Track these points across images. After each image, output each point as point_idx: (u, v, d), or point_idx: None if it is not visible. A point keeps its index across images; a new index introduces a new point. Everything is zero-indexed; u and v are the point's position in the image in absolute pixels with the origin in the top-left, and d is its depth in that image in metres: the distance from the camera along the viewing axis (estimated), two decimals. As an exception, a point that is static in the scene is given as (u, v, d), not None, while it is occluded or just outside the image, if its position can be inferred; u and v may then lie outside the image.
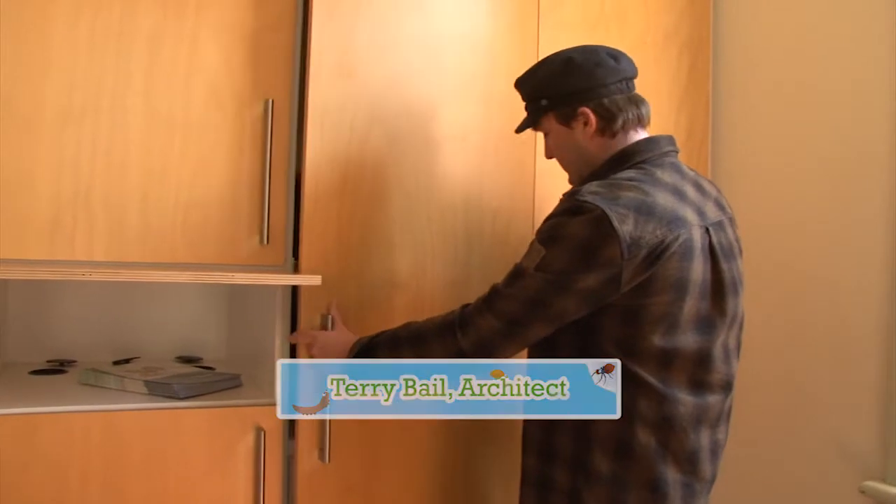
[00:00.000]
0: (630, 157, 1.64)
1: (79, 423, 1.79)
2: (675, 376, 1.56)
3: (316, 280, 1.81)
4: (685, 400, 1.56)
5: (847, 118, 2.06)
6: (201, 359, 2.52)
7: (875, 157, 1.97)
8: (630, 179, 1.56)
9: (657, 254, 1.47)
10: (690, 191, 1.61)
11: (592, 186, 1.54)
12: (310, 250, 1.96)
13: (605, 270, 1.47)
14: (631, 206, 1.48)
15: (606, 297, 1.51)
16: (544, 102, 1.72)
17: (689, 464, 1.57)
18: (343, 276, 1.99)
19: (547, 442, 1.66)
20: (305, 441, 1.98)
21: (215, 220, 1.92)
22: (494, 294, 1.61)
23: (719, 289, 1.57)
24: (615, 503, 1.55)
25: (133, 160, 1.84)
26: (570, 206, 1.51)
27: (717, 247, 1.57)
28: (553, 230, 1.53)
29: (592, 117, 1.66)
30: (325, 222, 1.97)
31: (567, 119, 1.70)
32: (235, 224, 1.93)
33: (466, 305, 1.68)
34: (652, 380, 1.54)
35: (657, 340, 1.53)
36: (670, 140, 1.70)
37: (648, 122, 1.71)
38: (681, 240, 1.50)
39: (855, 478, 1.97)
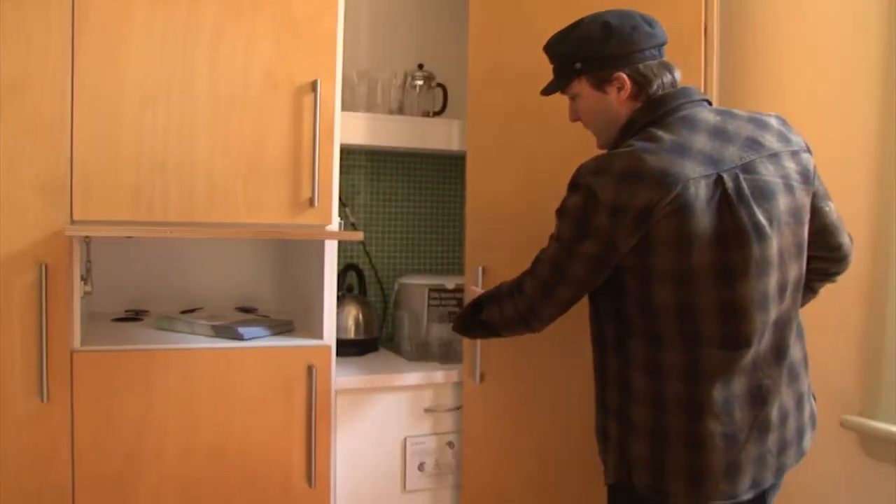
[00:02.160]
0: (632, 125, 1.66)
1: (159, 359, 2.11)
2: (698, 329, 1.54)
3: (358, 236, 2.10)
4: (711, 352, 1.54)
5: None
6: (256, 309, 2.82)
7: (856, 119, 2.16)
8: (629, 146, 1.56)
9: (644, 215, 1.48)
10: (700, 140, 1.55)
11: (591, 160, 1.59)
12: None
13: (600, 237, 1.53)
14: (615, 174, 1.50)
15: (612, 260, 1.55)
16: (578, 66, 1.70)
17: (726, 414, 1.55)
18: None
19: (601, 397, 1.73)
20: (468, 364, 2.47)
21: (272, 186, 2.20)
22: (535, 259, 1.69)
23: (738, 236, 1.51)
24: (655, 453, 1.59)
25: (200, 136, 2.13)
26: (570, 182, 1.59)
27: (733, 193, 1.52)
28: (560, 204, 1.61)
29: (628, 82, 1.65)
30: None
31: (601, 83, 1.69)
32: (289, 189, 2.21)
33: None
34: (672, 335, 1.55)
35: (671, 297, 1.53)
36: (685, 92, 1.66)
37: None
38: (672, 197, 1.46)
39: (836, 412, 2.15)
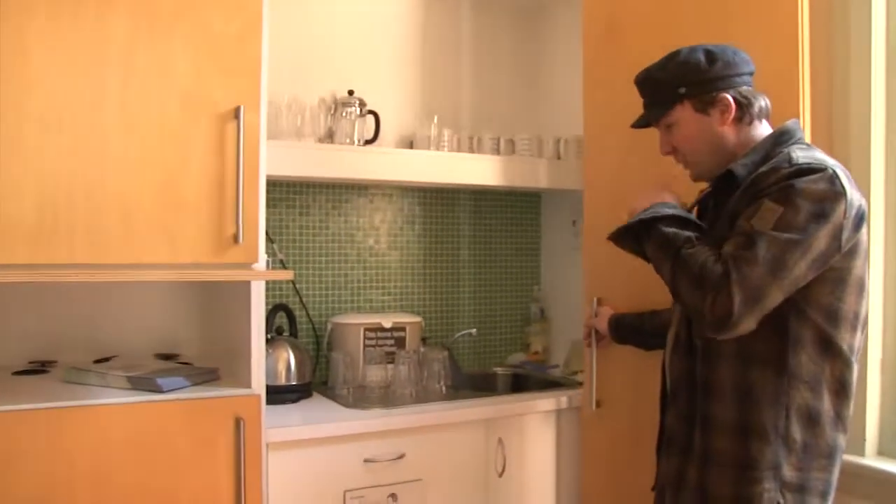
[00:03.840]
0: (792, 134, 1.69)
1: (66, 418, 1.88)
2: (856, 341, 1.60)
3: (287, 275, 1.92)
4: (854, 366, 1.61)
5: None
6: (178, 355, 2.60)
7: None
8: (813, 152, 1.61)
9: (860, 217, 1.54)
10: None
11: (797, 151, 1.60)
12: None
13: (834, 229, 1.50)
14: (842, 169, 1.56)
15: (827, 261, 1.53)
16: (682, 90, 1.72)
17: (846, 429, 1.63)
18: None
19: (743, 419, 1.64)
20: (586, 392, 2.46)
21: (193, 221, 2.01)
22: (734, 262, 1.50)
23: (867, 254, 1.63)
24: (802, 470, 1.59)
25: (111, 166, 1.93)
26: (796, 168, 1.53)
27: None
28: (787, 189, 1.52)
29: (732, 104, 1.69)
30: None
31: (705, 106, 1.71)
32: (211, 224, 2.02)
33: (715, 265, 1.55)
34: (843, 346, 1.58)
35: (854, 305, 1.58)
36: (797, 124, 1.76)
37: (770, 114, 1.77)
38: (866, 207, 1.57)
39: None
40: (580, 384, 2.78)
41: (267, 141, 2.34)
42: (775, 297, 1.50)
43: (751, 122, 1.72)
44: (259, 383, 2.13)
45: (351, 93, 2.79)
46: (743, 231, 1.53)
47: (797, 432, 1.58)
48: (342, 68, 2.91)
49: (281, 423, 2.21)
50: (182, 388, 2.10)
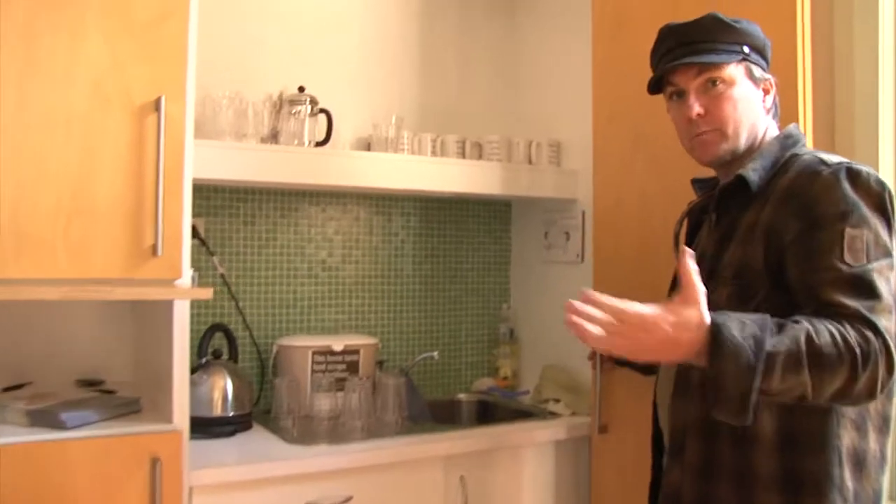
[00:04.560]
0: (797, 139, 1.56)
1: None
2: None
3: (205, 294, 1.64)
4: (894, 397, 1.46)
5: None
6: (104, 381, 2.30)
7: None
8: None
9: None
10: None
11: (822, 154, 1.46)
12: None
13: (890, 228, 1.39)
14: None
15: None
16: (746, 49, 1.54)
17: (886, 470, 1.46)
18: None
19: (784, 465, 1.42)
20: (592, 418, 2.31)
21: (103, 230, 1.73)
22: (876, 316, 1.30)
23: None
24: None
25: (4, 166, 1.64)
26: (835, 169, 1.40)
27: None
28: (855, 206, 1.37)
29: (774, 90, 1.57)
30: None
31: (757, 79, 1.55)
32: (126, 234, 1.75)
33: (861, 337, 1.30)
34: None
35: (892, 325, 1.38)
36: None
37: None
38: None
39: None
40: (552, 414, 2.52)
41: (204, 141, 2.11)
42: None
43: (775, 117, 1.59)
44: (181, 417, 1.84)
45: (301, 89, 2.52)
46: (845, 275, 1.34)
47: (849, 480, 1.38)
48: (292, 63, 2.64)
49: (210, 463, 1.93)
50: (90, 423, 1.81)
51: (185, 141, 1.82)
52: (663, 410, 1.64)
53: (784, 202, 1.43)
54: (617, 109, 2.26)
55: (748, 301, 1.43)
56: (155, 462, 1.75)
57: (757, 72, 1.54)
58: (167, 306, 1.86)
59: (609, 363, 2.19)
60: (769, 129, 1.58)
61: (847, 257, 1.35)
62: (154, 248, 1.75)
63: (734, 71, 1.53)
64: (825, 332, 1.26)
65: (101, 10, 1.73)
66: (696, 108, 1.52)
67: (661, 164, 2.04)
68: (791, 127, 1.58)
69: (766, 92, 1.56)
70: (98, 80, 1.72)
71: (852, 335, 1.27)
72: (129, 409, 1.95)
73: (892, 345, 1.28)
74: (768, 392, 1.24)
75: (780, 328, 1.26)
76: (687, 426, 1.51)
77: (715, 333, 1.22)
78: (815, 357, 1.24)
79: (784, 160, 1.50)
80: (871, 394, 1.29)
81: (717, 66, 1.52)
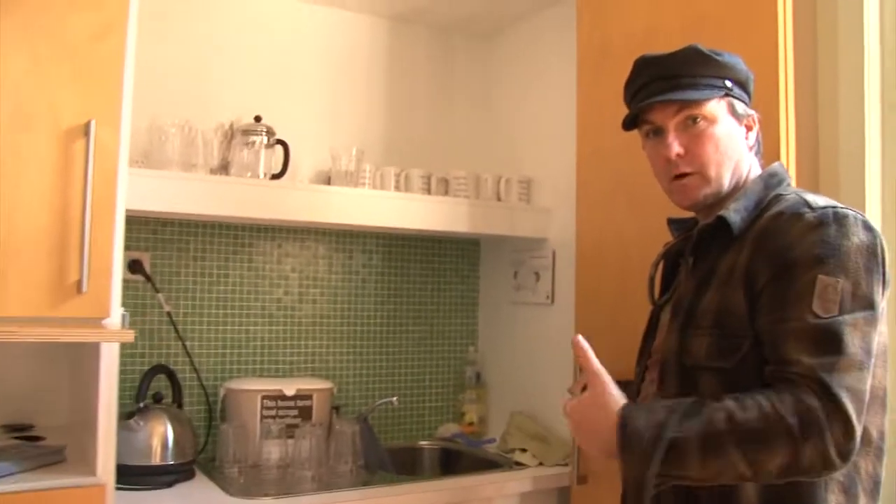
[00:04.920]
0: (782, 178, 1.44)
1: None
2: (885, 423, 1.32)
3: (127, 337, 1.50)
4: (884, 456, 1.32)
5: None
6: (33, 427, 2.14)
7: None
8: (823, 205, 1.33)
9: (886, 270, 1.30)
10: None
11: (807, 195, 1.34)
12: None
13: (883, 280, 1.27)
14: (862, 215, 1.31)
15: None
16: (729, 84, 1.42)
17: None
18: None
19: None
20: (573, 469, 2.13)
21: (21, 264, 1.59)
22: (832, 376, 1.18)
23: None
24: None
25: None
26: (821, 214, 1.28)
27: None
28: (835, 251, 1.25)
29: (757, 127, 1.47)
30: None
31: (740, 115, 1.44)
32: (48, 268, 1.61)
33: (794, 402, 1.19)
34: (874, 432, 1.29)
35: (882, 378, 1.30)
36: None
37: None
38: None
39: None
40: (518, 465, 2.37)
41: (148, 171, 1.99)
42: (867, 387, 1.22)
43: (756, 155, 1.48)
44: (106, 469, 1.69)
45: (258, 119, 2.40)
46: (810, 327, 1.22)
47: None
48: (248, 92, 2.52)
49: (140, 520, 1.77)
50: (6, 475, 1.65)
51: (118, 169, 1.68)
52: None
53: (760, 245, 1.31)
54: (601, 144, 2.14)
55: (732, 353, 1.30)
56: (74, 521, 1.59)
57: (740, 107, 1.43)
58: (95, 348, 1.72)
59: None
60: (752, 167, 1.46)
61: (816, 307, 1.22)
62: (79, 285, 1.61)
63: (716, 107, 1.41)
64: (753, 406, 1.18)
65: (28, 27, 1.61)
66: (676, 148, 1.40)
67: (642, 201, 1.91)
68: (776, 165, 1.47)
69: (749, 128, 1.45)
70: (19, 100, 1.59)
71: (789, 404, 1.16)
72: (52, 459, 1.78)
73: (848, 407, 1.16)
74: (689, 478, 1.20)
75: (696, 411, 1.20)
76: (660, 493, 1.38)
77: (621, 426, 1.22)
78: (740, 435, 1.17)
79: (768, 201, 1.39)
80: (826, 464, 1.16)
81: (699, 102, 1.40)
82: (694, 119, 1.40)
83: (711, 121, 1.40)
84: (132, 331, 1.53)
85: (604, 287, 2.13)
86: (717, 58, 1.43)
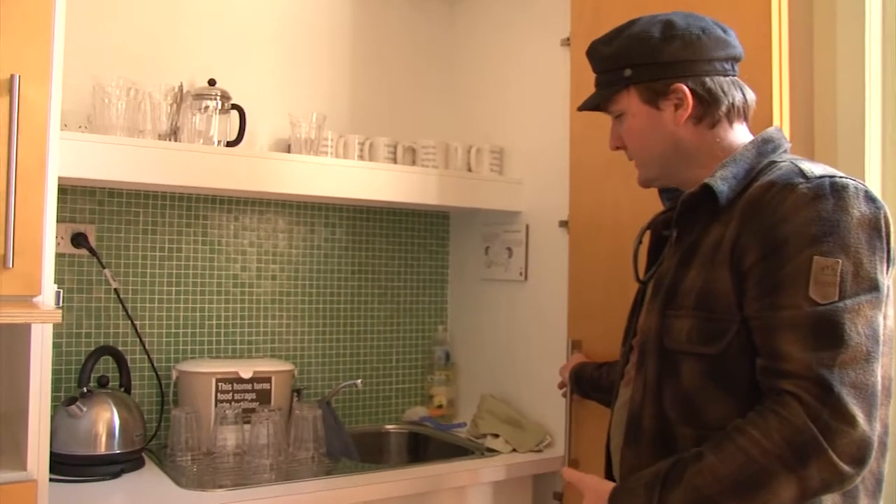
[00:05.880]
0: (777, 144, 1.32)
1: None
2: (889, 416, 1.21)
3: (56, 317, 1.34)
4: (887, 452, 1.22)
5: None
6: (-33, 414, 1.98)
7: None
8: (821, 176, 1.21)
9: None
10: None
11: (803, 163, 1.22)
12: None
13: (887, 257, 1.16)
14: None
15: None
16: (627, 73, 1.35)
17: None
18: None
19: None
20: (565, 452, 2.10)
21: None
22: (835, 375, 1.09)
23: None
24: None
25: None
26: (817, 185, 1.16)
27: None
28: (834, 228, 1.13)
29: (689, 98, 1.32)
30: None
31: (655, 97, 1.34)
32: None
33: (779, 415, 1.12)
34: (878, 428, 1.15)
35: (889, 367, 1.20)
36: (781, 133, 1.38)
37: (751, 115, 1.39)
38: None
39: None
40: (490, 451, 2.25)
41: (90, 135, 1.84)
42: (876, 382, 1.11)
43: (714, 125, 1.33)
44: (38, 463, 1.53)
45: (212, 83, 2.23)
46: (805, 315, 1.12)
47: None
48: (202, 54, 2.35)
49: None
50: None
51: (47, 131, 1.51)
52: (616, 458, 1.39)
53: (748, 218, 1.20)
54: (595, 118, 2.00)
55: (716, 339, 1.20)
56: (-1, 521, 1.44)
57: (655, 88, 1.34)
58: (25, 329, 1.55)
59: (576, 394, 1.99)
60: (729, 134, 1.34)
61: (812, 292, 1.12)
62: (3, 259, 1.44)
63: (626, 101, 1.38)
64: (735, 452, 1.11)
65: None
66: (612, 143, 1.44)
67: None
68: (771, 130, 1.35)
69: (677, 106, 1.33)
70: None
71: (775, 432, 1.10)
72: (-20, 450, 1.63)
73: (853, 408, 1.07)
74: None
75: (677, 478, 1.15)
76: None
77: None
78: (732, 490, 1.11)
79: (759, 168, 1.27)
80: (841, 476, 1.08)
81: (608, 101, 1.41)
82: (616, 115, 1.40)
83: (627, 115, 1.38)
84: (59, 310, 1.36)
85: (597, 265, 2.05)
86: (609, 47, 1.39)
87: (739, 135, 1.35)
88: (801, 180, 1.18)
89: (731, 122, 1.34)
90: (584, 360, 1.98)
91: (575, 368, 1.95)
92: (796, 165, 1.22)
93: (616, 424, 1.42)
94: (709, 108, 1.32)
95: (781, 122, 1.57)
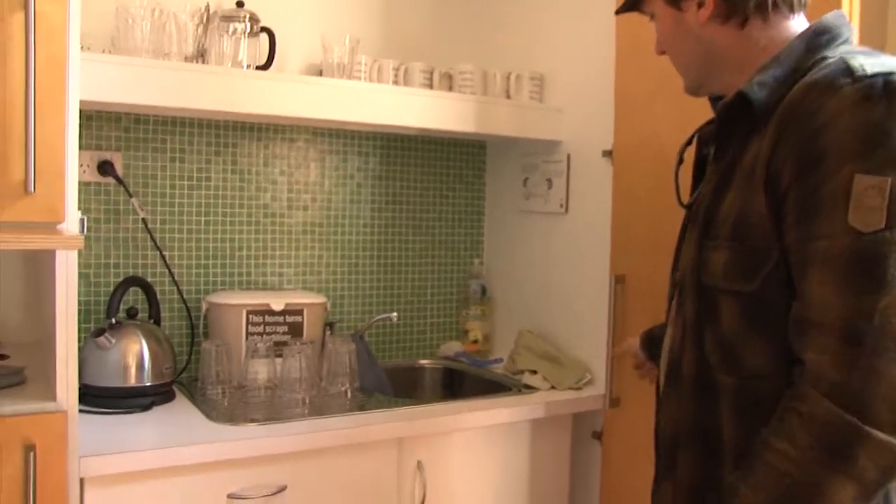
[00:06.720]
0: (835, 34, 1.11)
1: None
2: None
3: (78, 243, 1.28)
4: None
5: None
6: (-2, 344, 1.96)
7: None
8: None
9: None
10: None
11: (856, 59, 1.02)
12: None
13: None
14: None
15: None
16: None
17: None
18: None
19: None
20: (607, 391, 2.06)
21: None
22: (865, 323, 0.94)
23: None
24: None
25: None
26: (867, 85, 0.98)
27: None
28: (880, 140, 0.96)
29: None
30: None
31: None
32: (-11, 165, 1.38)
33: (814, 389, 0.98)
34: None
35: None
36: (843, 17, 1.18)
37: (803, 3, 1.18)
38: None
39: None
40: (528, 388, 2.19)
41: (113, 57, 1.77)
42: None
43: (745, 23, 1.15)
44: (68, 394, 1.49)
45: (241, 4, 2.14)
46: (842, 248, 0.96)
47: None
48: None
49: (110, 448, 1.59)
50: (-51, 401, 1.46)
51: (67, 50, 1.43)
52: (659, 414, 1.30)
53: (784, 128, 1.03)
54: (640, 36, 1.86)
55: (752, 274, 1.05)
56: (28, 453, 1.40)
57: None
58: (51, 257, 1.50)
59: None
60: (772, 31, 1.16)
61: (852, 219, 0.95)
62: (24, 185, 1.38)
63: (653, 4, 1.27)
64: (766, 472, 1.00)
65: None
66: (656, 47, 1.31)
67: (686, 102, 1.69)
68: (828, 17, 1.14)
69: (700, 5, 1.17)
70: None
71: (802, 438, 0.96)
72: (9, 381, 1.59)
73: (887, 364, 0.92)
74: None
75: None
76: (679, 435, 1.18)
77: None
78: (785, 466, 0.98)
79: (808, 67, 1.08)
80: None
81: (639, 4, 1.31)
82: (651, 18, 1.30)
83: (657, 18, 1.27)
84: (81, 236, 1.30)
85: (643, 197, 1.97)
86: None
87: (786, 30, 1.15)
88: (845, 80, 1.00)
89: (764, 18, 1.15)
90: (636, 342, 1.72)
91: (643, 336, 1.69)
92: (846, 62, 1.02)
93: (662, 367, 1.32)
94: (733, 5, 1.15)
95: (851, 6, 1.40)
